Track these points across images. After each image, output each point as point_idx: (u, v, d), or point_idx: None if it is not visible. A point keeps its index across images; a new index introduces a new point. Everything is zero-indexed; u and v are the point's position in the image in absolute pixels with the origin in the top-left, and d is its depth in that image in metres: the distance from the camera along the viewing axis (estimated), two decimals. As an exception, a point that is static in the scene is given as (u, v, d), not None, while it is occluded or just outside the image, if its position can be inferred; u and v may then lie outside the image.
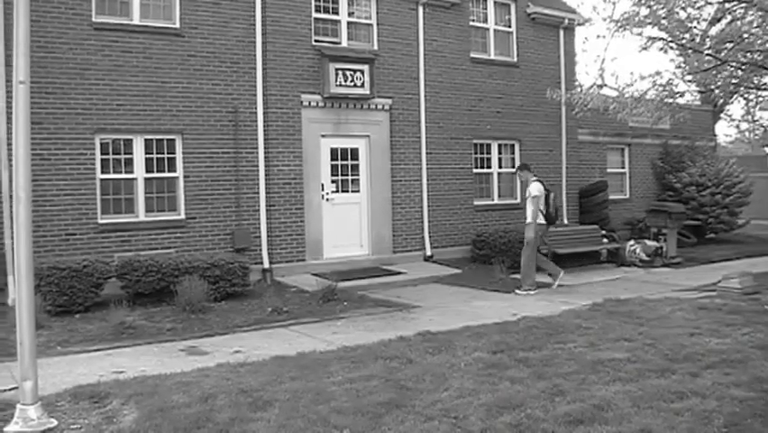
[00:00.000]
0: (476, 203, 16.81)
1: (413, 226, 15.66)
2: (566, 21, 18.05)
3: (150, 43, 12.68)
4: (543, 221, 12.55)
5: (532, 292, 12.16)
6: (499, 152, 17.43)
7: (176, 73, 12.93)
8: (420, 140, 15.90)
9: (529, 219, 12.46)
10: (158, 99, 12.75)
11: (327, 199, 14.65)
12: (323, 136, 14.62)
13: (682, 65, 16.35)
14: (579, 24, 17.81)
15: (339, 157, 14.95)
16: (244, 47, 13.57)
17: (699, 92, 23.41)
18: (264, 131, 13.73)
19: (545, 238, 13.17)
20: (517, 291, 12.26)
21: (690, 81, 16.29)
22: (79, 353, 8.44)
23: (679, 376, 6.46)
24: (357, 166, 15.18)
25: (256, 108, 13.69)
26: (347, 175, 15.01)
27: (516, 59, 17.55)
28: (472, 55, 16.78)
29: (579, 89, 13.14)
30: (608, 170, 20.52)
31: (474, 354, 7.47)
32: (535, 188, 12.43)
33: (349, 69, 14.47)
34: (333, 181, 14.76)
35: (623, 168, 21.19)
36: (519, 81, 17.48)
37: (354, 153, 15.18)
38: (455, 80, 16.47)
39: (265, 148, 13.72)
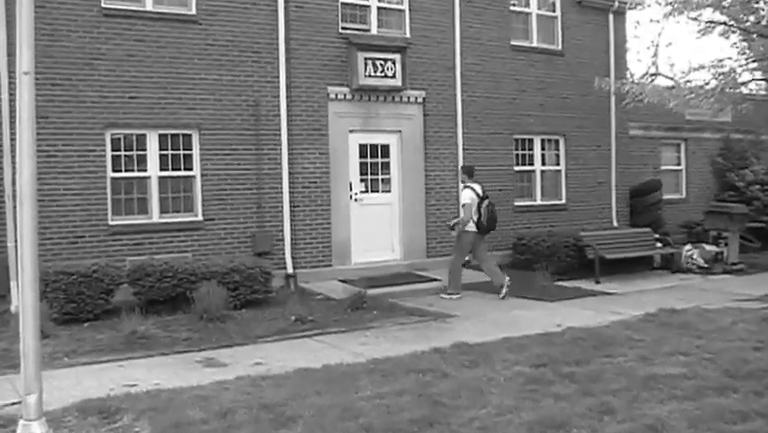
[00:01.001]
0: (517, 203, 16.78)
1: (448, 229, 15.28)
2: (616, 4, 17.94)
3: (165, 31, 12.78)
4: (473, 228, 12.80)
5: (455, 297, 12.63)
6: (542, 148, 17.44)
7: (192, 63, 13.04)
8: (456, 135, 15.92)
9: (461, 227, 12.86)
10: (173, 92, 12.85)
11: (356, 200, 14.73)
12: (351, 131, 14.68)
13: (747, 51, 15.89)
14: (630, 8, 17.63)
15: (368, 154, 15.00)
16: (266, 35, 13.65)
17: (766, 80, 23.00)
18: (288, 126, 13.78)
19: (479, 249, 13.24)
20: (442, 296, 12.75)
21: (754, 69, 16.24)
22: (88, 364, 8.49)
23: (741, 395, 6.39)
24: (387, 164, 15.23)
25: (279, 101, 13.75)
26: (377, 174, 15.08)
27: (560, 47, 17.56)
28: (513, 42, 16.77)
29: (630, 79, 12.89)
30: (662, 168, 20.49)
31: (515, 368, 7.45)
32: (465, 196, 12.80)
33: (379, 59, 14.53)
34: (362, 180, 14.84)
35: (678, 165, 21.14)
36: (564, 71, 17.48)
37: (385, 150, 15.22)
38: (494, 70, 16.48)
39: (289, 144, 13.78)
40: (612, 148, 18.29)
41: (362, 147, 14.92)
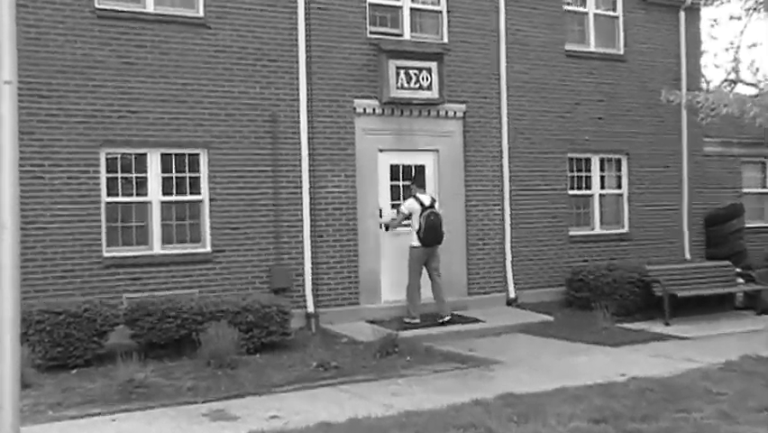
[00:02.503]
0: (572, 233, 16.73)
1: (492, 262, 15.68)
2: (688, 0, 17.87)
3: (168, 36, 12.82)
4: (417, 243, 13.47)
5: (415, 321, 13.36)
6: (601, 169, 17.41)
7: (200, 73, 13.08)
8: (501, 154, 15.93)
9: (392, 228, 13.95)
10: (177, 105, 12.86)
11: (386, 228, 14.74)
12: (381, 151, 14.75)
13: None
14: (706, 4, 17.62)
15: (401, 176, 15.00)
16: (284, 41, 13.71)
17: None
18: (309, 144, 13.85)
19: (430, 267, 13.77)
20: (405, 320, 13.52)
21: None
22: (76, 418, 8.42)
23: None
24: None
25: (298, 116, 13.81)
26: (411, 199, 14.71)
27: (622, 51, 17.54)
28: (567, 47, 16.79)
29: (705, 87, 12.73)
30: (744, 191, 20.13)
31: (571, 424, 7.37)
32: (405, 204, 13.71)
33: (413, 68, 14.60)
34: (393, 206, 14.80)
35: (764, 187, 20.86)
36: (627, 79, 17.47)
37: (420, 173, 15.18)
38: (545, 79, 16.51)
39: (310, 165, 13.84)
40: (684, 168, 18.22)
41: (394, 168, 14.96)
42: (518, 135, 16.15)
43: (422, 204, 13.54)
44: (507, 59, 15.99)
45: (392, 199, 14.89)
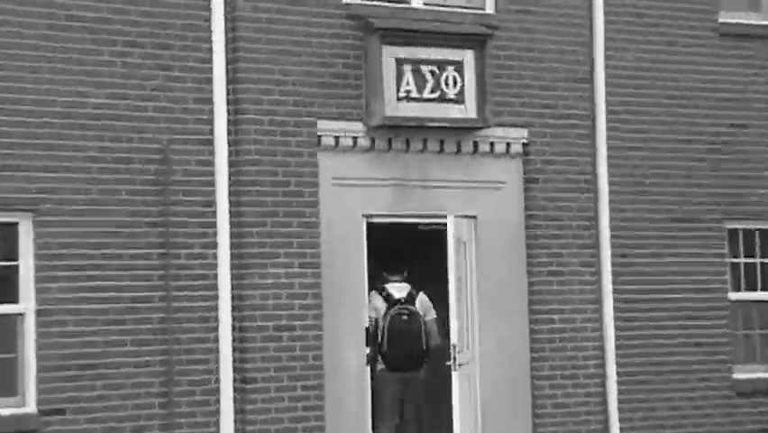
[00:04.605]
0: (739, 375, 14.01)
1: (580, 418, 13.35)
2: None
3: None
4: (380, 365, 12.51)
5: None
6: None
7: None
8: (596, 221, 13.26)
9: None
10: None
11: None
12: (368, 218, 12.24)
13: None
14: None
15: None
16: (187, 16, 11.51)
17: None
18: (230, 207, 11.46)
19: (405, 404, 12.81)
20: None
21: None
22: None
23: None
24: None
25: (212, 155, 11.49)
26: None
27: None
28: (722, 20, 14.08)
29: None
30: None
31: None
32: (370, 305, 12.46)
33: (428, 62, 12.08)
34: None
35: None
36: None
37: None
38: (681, 78, 13.93)
39: (232, 243, 11.46)
40: None
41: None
42: (629, 186, 13.56)
43: (389, 298, 12.37)
44: (607, 43, 13.22)
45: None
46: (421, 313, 12.47)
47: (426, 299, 12.72)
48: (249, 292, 11.53)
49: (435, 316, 12.81)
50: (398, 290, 12.47)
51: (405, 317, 12.27)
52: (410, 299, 12.45)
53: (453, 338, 12.50)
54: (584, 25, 13.28)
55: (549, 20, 13.00)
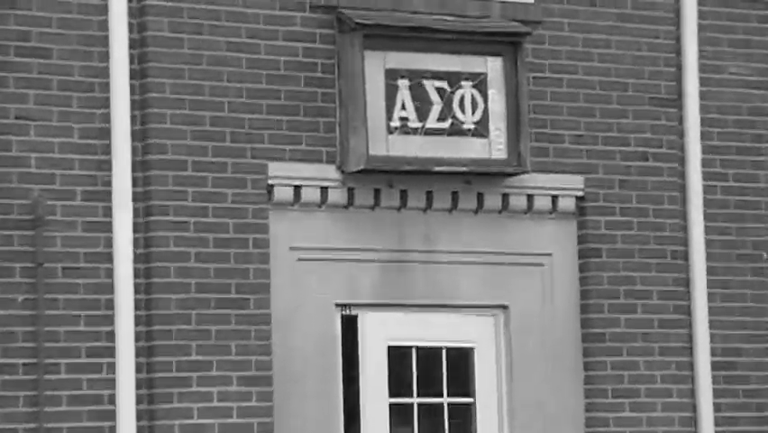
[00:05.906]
0: None
1: None
2: None
3: None
4: None
5: None
6: None
7: None
8: (690, 312, 10.56)
9: None
10: None
11: None
12: (344, 309, 10.02)
13: None
14: None
15: (407, 378, 10.68)
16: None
17: None
18: (135, 287, 9.15)
19: None
20: None
21: None
22: None
23: None
24: (464, 417, 10.63)
25: (109, 215, 9.29)
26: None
27: None
28: None
29: None
30: None
31: None
32: None
33: (434, 75, 9.91)
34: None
35: None
36: None
37: (456, 371, 10.73)
38: None
39: (138, 361, 9.16)
40: None
41: (393, 355, 10.61)
42: (736, 259, 11.06)
43: None
44: (701, 41, 10.80)
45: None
46: None
47: None
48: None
49: None
50: None
51: None
52: None
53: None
54: (669, 20, 10.78)
55: (615, 12, 10.33)
